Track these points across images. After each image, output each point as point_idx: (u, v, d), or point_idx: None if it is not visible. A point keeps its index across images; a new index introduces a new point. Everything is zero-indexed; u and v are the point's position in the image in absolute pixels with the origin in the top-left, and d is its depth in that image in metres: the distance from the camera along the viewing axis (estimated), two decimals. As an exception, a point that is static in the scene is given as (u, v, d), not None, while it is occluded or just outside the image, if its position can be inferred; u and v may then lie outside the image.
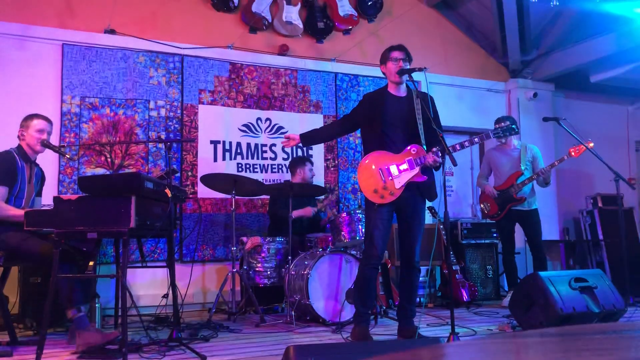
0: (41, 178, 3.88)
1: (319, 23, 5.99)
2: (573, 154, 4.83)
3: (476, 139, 3.47)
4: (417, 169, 3.43)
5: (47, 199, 4.21)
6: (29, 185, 3.66)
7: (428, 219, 6.11)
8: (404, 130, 3.52)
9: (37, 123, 3.65)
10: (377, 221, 3.42)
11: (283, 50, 5.82)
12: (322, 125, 5.69)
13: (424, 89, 5.68)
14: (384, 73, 3.67)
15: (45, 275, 4.08)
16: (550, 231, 6.64)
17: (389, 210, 3.49)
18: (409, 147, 3.47)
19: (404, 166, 3.43)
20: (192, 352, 3.10)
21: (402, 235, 3.61)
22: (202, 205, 5.33)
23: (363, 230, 4.49)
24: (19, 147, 3.66)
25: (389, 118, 3.51)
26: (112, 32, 5.16)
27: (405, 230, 3.58)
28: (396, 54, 3.56)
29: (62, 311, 3.44)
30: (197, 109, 5.44)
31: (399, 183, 3.41)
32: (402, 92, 3.63)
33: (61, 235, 3.03)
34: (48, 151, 3.79)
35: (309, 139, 3.93)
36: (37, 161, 3.84)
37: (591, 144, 4.78)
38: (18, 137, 3.68)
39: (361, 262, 3.58)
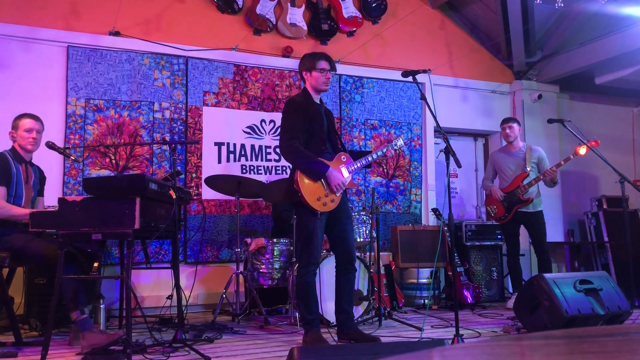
0: (40, 178, 3.87)
1: (323, 25, 5.99)
2: (579, 152, 4.81)
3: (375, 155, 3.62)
4: (350, 176, 3.54)
5: (52, 200, 4.22)
6: (27, 185, 3.66)
7: (432, 220, 6.13)
8: (329, 137, 3.60)
9: (24, 122, 3.65)
10: (317, 229, 3.41)
11: (287, 52, 5.83)
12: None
13: (428, 91, 5.73)
14: (303, 78, 3.63)
15: (50, 276, 4.09)
16: (555, 233, 6.62)
17: (326, 217, 3.50)
18: (339, 155, 3.57)
19: (345, 174, 3.51)
20: (197, 354, 3.10)
21: (339, 238, 3.58)
22: (207, 207, 5.34)
23: (367, 232, 4.49)
24: (12, 148, 3.68)
25: (321, 127, 3.54)
26: (117, 34, 5.18)
27: (342, 232, 3.57)
28: (324, 65, 3.56)
29: (67, 312, 3.45)
30: (202, 110, 5.45)
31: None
32: (318, 99, 3.66)
33: (66, 236, 3.04)
34: (53, 153, 3.78)
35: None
36: (36, 162, 3.84)
37: (595, 143, 4.76)
38: (10, 139, 3.69)
39: (300, 271, 3.45)
